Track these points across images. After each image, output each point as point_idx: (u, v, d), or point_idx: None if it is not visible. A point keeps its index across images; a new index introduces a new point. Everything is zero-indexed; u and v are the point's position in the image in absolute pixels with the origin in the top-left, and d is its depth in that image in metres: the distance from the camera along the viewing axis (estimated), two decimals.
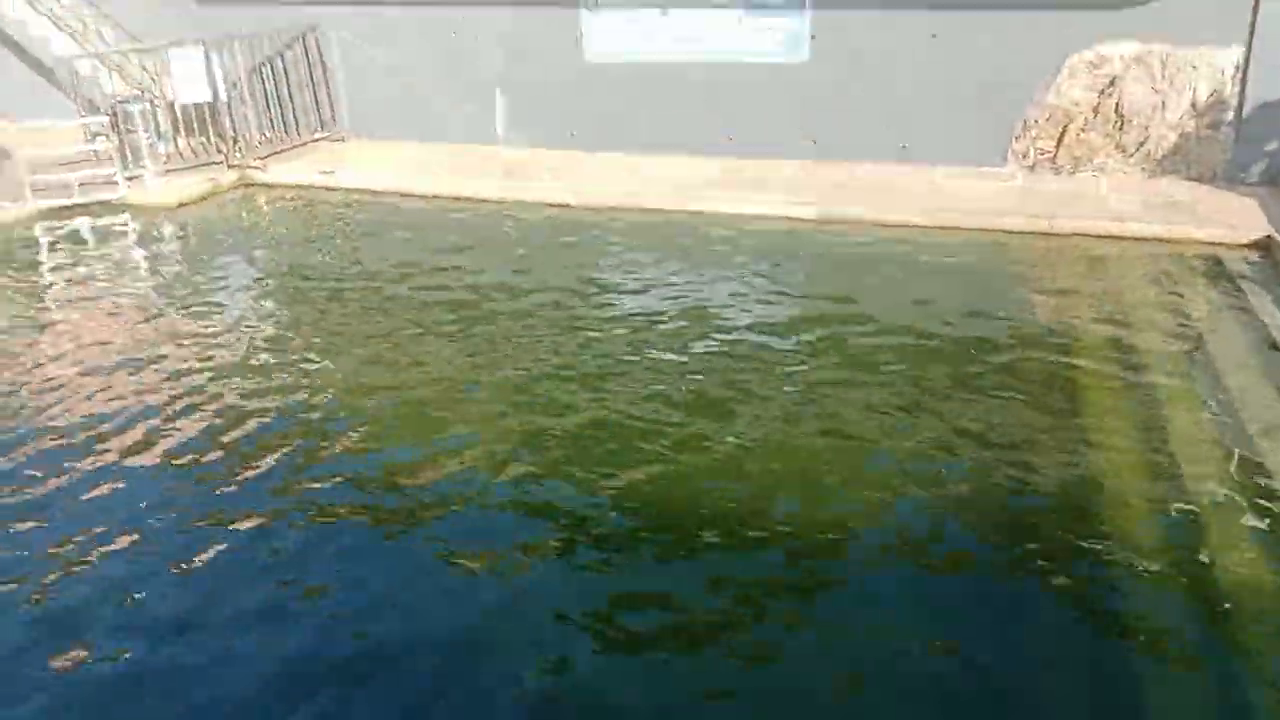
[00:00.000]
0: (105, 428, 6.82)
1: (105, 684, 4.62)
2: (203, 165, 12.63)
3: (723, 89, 11.79)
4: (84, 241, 10.84)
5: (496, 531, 5.57)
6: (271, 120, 13.37)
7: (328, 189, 12.12)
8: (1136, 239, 9.33)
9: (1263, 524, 5.27)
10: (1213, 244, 9.09)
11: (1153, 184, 10.46)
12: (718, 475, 5.95)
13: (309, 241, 10.77)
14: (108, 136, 11.95)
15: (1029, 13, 10.44)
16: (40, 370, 7.80)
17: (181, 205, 11.77)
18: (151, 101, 12.52)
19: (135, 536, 5.63)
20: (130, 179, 11.92)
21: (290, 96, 13.42)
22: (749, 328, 7.98)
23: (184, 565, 5.39)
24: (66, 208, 11.45)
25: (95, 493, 6.10)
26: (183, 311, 8.83)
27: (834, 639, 4.70)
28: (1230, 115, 10.20)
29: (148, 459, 6.46)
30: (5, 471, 6.35)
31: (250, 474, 6.24)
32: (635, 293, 8.77)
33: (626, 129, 12.29)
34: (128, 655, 4.75)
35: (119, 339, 8.33)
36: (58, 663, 4.75)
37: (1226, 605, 4.73)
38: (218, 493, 6.04)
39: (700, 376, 7.16)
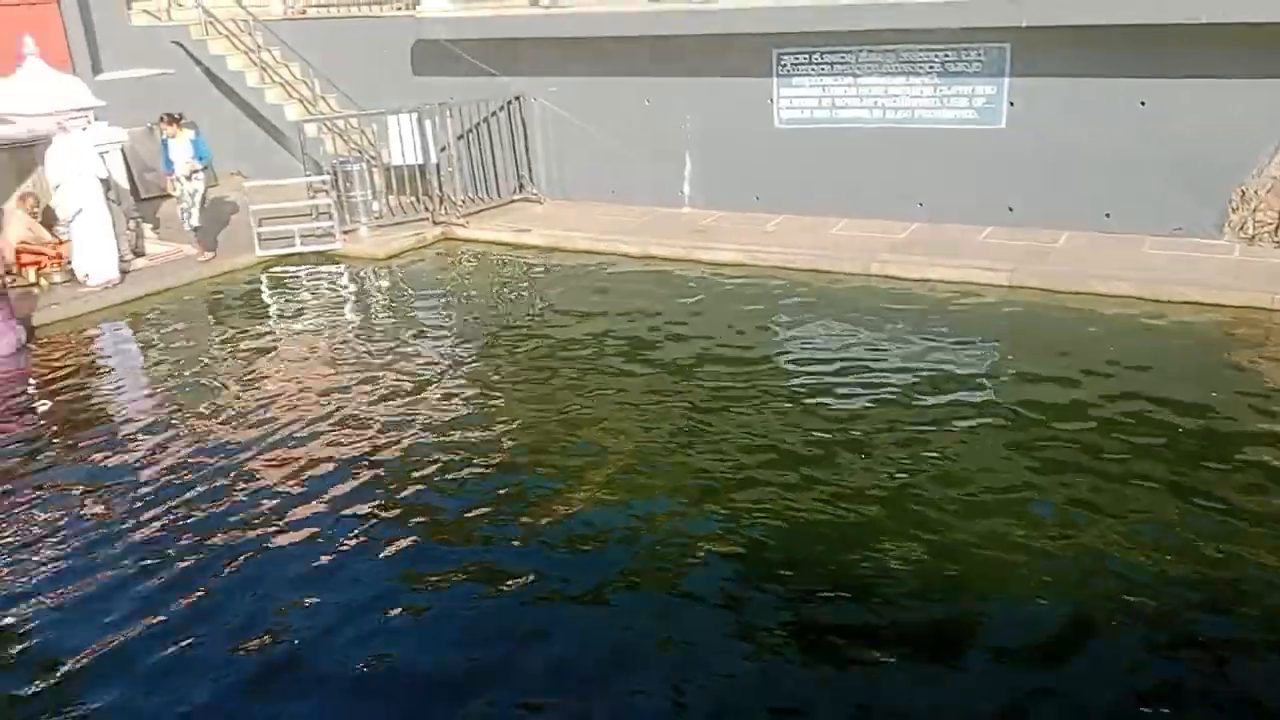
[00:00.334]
0: (293, 453, 7.30)
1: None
2: (410, 221, 13.47)
3: (914, 154, 11.67)
4: (302, 287, 11.72)
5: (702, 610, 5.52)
6: (474, 181, 14.15)
7: (523, 246, 12.67)
8: None
9: None
10: None
11: None
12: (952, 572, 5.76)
13: (503, 294, 11.27)
14: (328, 193, 12.94)
15: (1246, 81, 9.89)
16: (254, 394, 8.45)
17: (389, 257, 12.56)
18: (368, 162, 13.50)
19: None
20: (345, 232, 12.84)
21: (492, 159, 14.19)
22: (950, 403, 7.59)
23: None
24: (289, 256, 12.42)
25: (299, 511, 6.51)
26: (384, 352, 9.38)
27: None
28: None
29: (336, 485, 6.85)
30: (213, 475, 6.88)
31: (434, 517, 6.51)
32: (825, 360, 8.61)
33: (813, 192, 12.33)
34: None
35: (325, 374, 8.93)
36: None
37: None
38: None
39: (901, 453, 6.98)
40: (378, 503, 6.60)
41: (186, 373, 9.17)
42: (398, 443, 7.42)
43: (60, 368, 9.46)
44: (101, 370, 9.66)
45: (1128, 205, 10.71)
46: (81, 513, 6.70)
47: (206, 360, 9.50)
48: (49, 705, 4.90)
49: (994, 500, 6.18)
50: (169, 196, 12.74)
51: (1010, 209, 11.29)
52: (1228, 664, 4.72)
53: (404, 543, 6.12)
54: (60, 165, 10.81)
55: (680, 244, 11.88)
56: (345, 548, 6.09)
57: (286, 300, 11.32)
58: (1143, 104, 10.42)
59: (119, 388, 9.21)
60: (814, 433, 7.17)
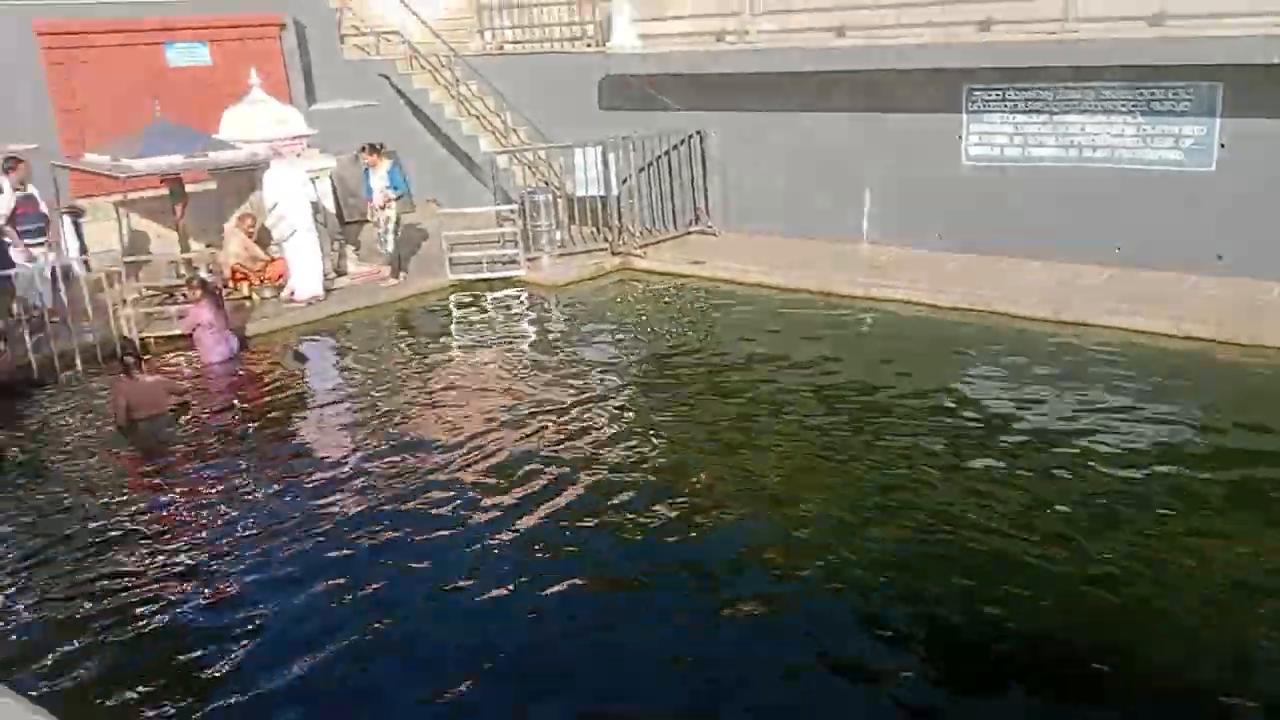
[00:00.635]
0: (476, 466, 7.57)
1: None
2: (590, 251, 13.83)
3: (1112, 196, 11.13)
4: (487, 310, 12.22)
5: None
6: (653, 212, 14.42)
7: (698, 277, 12.79)
8: None
9: None
10: None
11: None
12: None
13: (676, 325, 11.40)
14: (515, 222, 13.46)
15: None
16: (433, 410, 8.85)
17: (569, 285, 12.93)
18: (554, 193, 13.98)
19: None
20: (529, 259, 13.30)
21: (671, 192, 14.42)
22: (1154, 476, 7.00)
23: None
24: (476, 280, 12.98)
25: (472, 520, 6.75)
26: (557, 377, 9.65)
27: None
28: None
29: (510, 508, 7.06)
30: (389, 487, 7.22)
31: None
32: (1008, 415, 8.22)
33: (1001, 232, 11.93)
34: None
35: (500, 396, 9.26)
36: None
37: None
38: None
39: (1110, 536, 6.61)
40: (542, 541, 6.70)
41: (376, 385, 9.72)
42: (569, 471, 7.58)
43: (267, 374, 10.21)
44: (302, 379, 10.37)
45: None
46: (272, 505, 7.17)
47: (394, 375, 10.03)
48: (239, 682, 5.25)
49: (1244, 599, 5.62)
50: (368, 221, 13.55)
51: (1219, 257, 10.58)
52: None
53: (571, 580, 6.20)
54: (276, 189, 11.68)
55: (857, 280, 11.71)
56: (506, 577, 6.22)
57: (470, 322, 11.82)
58: None
59: (316, 396, 9.86)
60: (998, 498, 6.82)
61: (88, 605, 6.06)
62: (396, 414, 8.90)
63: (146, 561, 6.56)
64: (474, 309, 12.25)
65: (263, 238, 12.38)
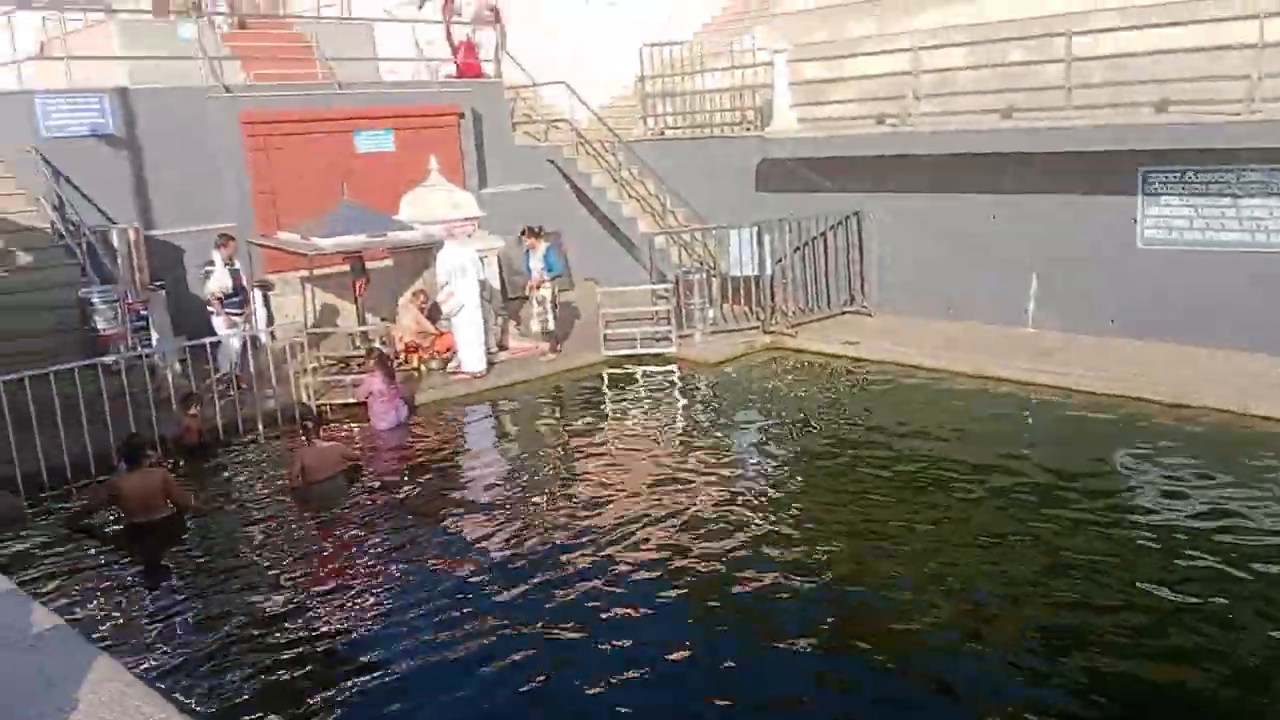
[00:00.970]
0: (614, 536, 7.63)
1: None
2: (741, 329, 13.91)
3: None
4: (639, 386, 12.42)
5: None
6: (806, 292, 14.40)
7: (851, 359, 12.65)
8: None
9: None
10: None
11: None
12: None
13: (826, 406, 11.26)
14: (668, 300, 13.70)
15: None
16: (585, 483, 9.00)
17: (720, 363, 13.01)
18: (708, 273, 14.18)
19: None
20: (682, 337, 13.48)
21: (825, 272, 14.39)
22: None
23: None
24: (630, 357, 13.23)
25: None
26: (706, 455, 9.67)
27: None
28: None
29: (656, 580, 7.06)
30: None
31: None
32: (1186, 512, 7.74)
33: (1178, 318, 11.33)
34: None
35: (650, 471, 9.34)
36: None
37: None
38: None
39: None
40: (691, 613, 6.70)
41: (531, 457, 10.01)
42: (720, 547, 7.56)
43: (433, 442, 10.66)
44: (464, 448, 10.80)
45: None
46: (432, 574, 7.42)
47: (548, 447, 10.32)
48: None
49: None
50: (529, 298, 14.08)
51: None
52: None
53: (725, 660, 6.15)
54: (447, 267, 12.32)
55: (1021, 365, 11.31)
56: (668, 655, 6.21)
57: (623, 397, 12.04)
58: None
59: (476, 465, 10.20)
60: (1170, 594, 6.42)
61: (242, 634, 6.45)
62: (550, 487, 9.11)
63: (301, 611, 6.89)
64: (627, 384, 12.47)
65: (433, 313, 13.04)
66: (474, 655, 6.26)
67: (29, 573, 7.47)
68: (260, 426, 10.76)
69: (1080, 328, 12.18)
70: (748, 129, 16.20)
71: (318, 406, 10.95)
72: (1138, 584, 6.59)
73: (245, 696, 5.87)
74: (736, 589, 6.90)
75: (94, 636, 6.12)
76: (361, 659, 6.31)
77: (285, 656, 6.32)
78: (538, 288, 13.19)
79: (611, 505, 8.50)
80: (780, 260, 13.88)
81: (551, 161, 17.33)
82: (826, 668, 5.96)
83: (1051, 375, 10.96)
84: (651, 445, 10.16)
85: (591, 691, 5.80)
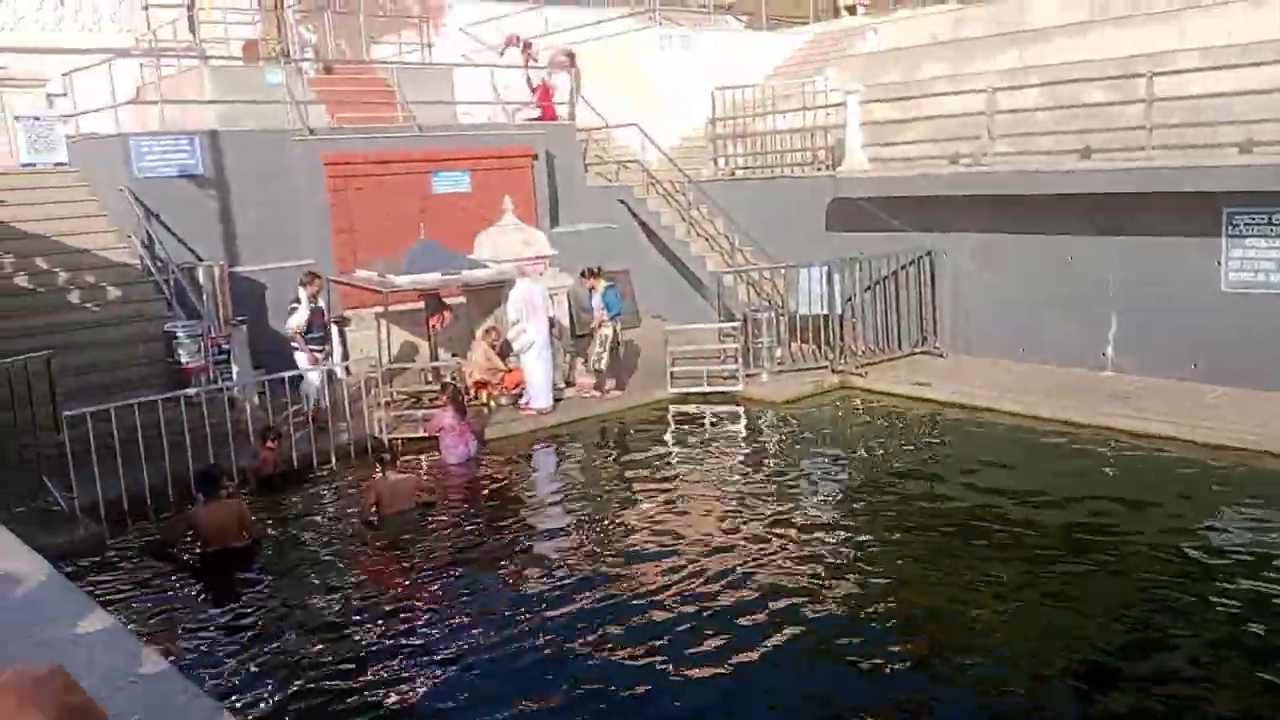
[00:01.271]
0: (682, 574, 7.57)
1: None
2: (809, 369, 13.80)
3: None
4: (704, 424, 12.39)
5: None
6: (876, 332, 14.26)
7: (921, 400, 12.45)
8: None
9: None
10: None
11: None
12: None
13: (896, 448, 11.09)
14: (736, 339, 13.68)
15: None
16: (648, 521, 8.98)
17: (787, 402, 12.91)
18: (776, 311, 14.14)
19: None
20: (749, 376, 13.43)
21: (896, 312, 14.24)
22: None
23: None
24: (696, 394, 13.22)
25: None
26: (770, 495, 9.59)
27: None
28: None
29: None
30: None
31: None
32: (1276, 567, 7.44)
33: (1262, 363, 10.93)
34: None
35: (718, 511, 9.28)
36: None
37: None
38: None
39: None
40: (762, 655, 6.62)
41: (595, 492, 10.05)
42: (785, 590, 7.47)
43: (501, 476, 10.80)
44: (530, 483, 10.90)
45: None
46: (499, 610, 7.46)
47: (613, 483, 10.33)
48: None
49: None
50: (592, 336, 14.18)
51: None
52: None
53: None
54: (518, 305, 12.50)
55: (1099, 410, 11.01)
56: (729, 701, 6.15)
57: (688, 435, 12.01)
58: None
59: (543, 500, 10.28)
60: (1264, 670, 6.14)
61: (312, 663, 6.54)
62: (613, 525, 9.12)
63: (367, 638, 6.98)
64: (692, 422, 12.45)
65: (503, 349, 13.22)
66: (535, 689, 6.28)
67: (110, 599, 7.71)
68: (334, 460, 10.98)
69: (1161, 372, 11.83)
70: (818, 169, 16.20)
71: (389, 440, 11.15)
72: (1222, 652, 6.31)
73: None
74: (803, 638, 6.80)
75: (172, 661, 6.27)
76: (426, 692, 6.36)
77: (354, 685, 6.41)
78: (599, 327, 13.28)
79: (674, 543, 8.47)
80: (850, 299, 13.78)
81: (622, 201, 17.52)
82: None
83: (1130, 420, 10.65)
84: (715, 484, 10.11)
85: None
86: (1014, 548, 8.01)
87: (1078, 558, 7.75)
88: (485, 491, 10.37)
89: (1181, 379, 11.61)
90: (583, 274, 13.77)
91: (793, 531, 8.64)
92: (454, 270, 12.49)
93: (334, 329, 12.72)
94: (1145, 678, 6.10)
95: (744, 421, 12.49)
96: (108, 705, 2.10)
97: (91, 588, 7.75)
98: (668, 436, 12.10)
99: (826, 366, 13.74)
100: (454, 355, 13.12)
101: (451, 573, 8.26)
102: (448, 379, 12.09)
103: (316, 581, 8.16)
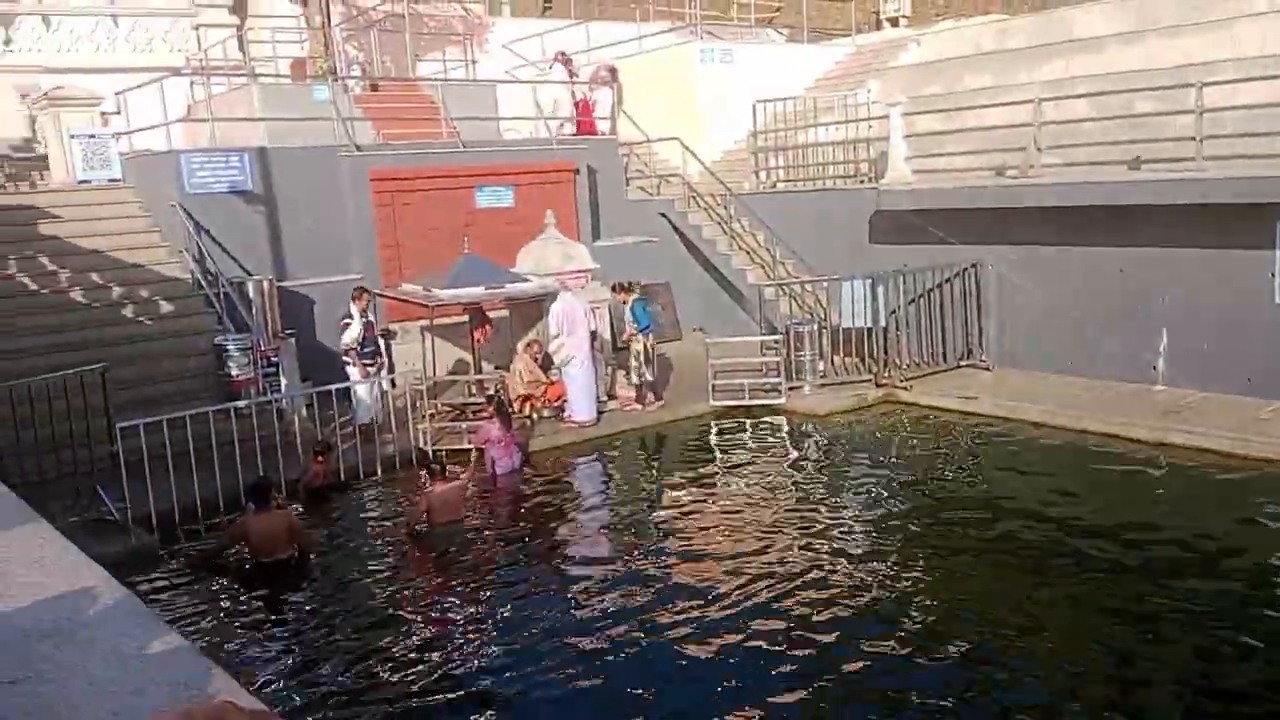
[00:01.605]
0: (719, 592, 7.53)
1: None
2: (852, 382, 13.71)
3: None
4: (746, 437, 12.35)
5: None
6: (920, 345, 14.13)
7: (967, 414, 12.31)
8: None
9: None
10: None
11: None
12: None
13: (941, 462, 10.97)
14: (778, 352, 13.62)
15: None
16: (688, 533, 8.96)
17: (830, 415, 12.83)
18: (819, 324, 14.06)
19: None
20: (791, 389, 13.36)
21: (941, 325, 14.11)
22: None
23: None
24: (738, 408, 13.18)
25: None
26: (812, 510, 9.52)
27: None
28: None
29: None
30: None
31: None
32: None
33: None
34: None
35: (760, 527, 9.23)
36: None
37: None
38: None
39: None
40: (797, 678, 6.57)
41: (638, 505, 10.07)
42: (824, 606, 7.41)
43: (545, 488, 10.84)
44: (574, 495, 10.91)
45: None
46: (544, 619, 7.47)
47: (656, 496, 10.33)
48: None
49: None
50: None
51: None
52: None
53: None
54: (560, 318, 12.55)
55: (1150, 425, 10.82)
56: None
57: (729, 449, 11.98)
58: None
59: (586, 512, 10.31)
60: None
61: (362, 671, 6.60)
62: (656, 536, 9.11)
63: (415, 651, 7.03)
64: (734, 436, 12.41)
65: (545, 362, 13.27)
66: (579, 700, 6.27)
67: (162, 608, 7.83)
68: (380, 471, 11.08)
69: (1213, 386, 11.61)
70: (861, 181, 16.13)
71: (433, 452, 11.23)
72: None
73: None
74: (845, 655, 6.73)
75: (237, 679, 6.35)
76: (474, 699, 6.39)
77: (404, 693, 6.46)
78: (631, 341, 13.27)
79: (718, 560, 8.44)
80: (894, 312, 13.68)
81: (663, 214, 17.56)
82: None
83: (1183, 435, 10.46)
84: (757, 497, 10.06)
85: None
86: (1067, 569, 7.87)
87: (1135, 578, 7.60)
88: (531, 503, 10.42)
89: (1234, 393, 11.37)
90: (613, 288, 13.80)
91: (837, 549, 8.56)
92: (497, 284, 12.58)
93: (380, 341, 12.84)
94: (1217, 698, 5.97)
95: (786, 434, 12.43)
96: None
97: (145, 596, 7.88)
98: (710, 450, 12.07)
99: (870, 380, 13.64)
100: (497, 368, 13.21)
101: (498, 586, 8.29)
102: (491, 392, 12.18)
103: (365, 593, 8.23)
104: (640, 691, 6.29)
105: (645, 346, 13.18)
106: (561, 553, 9.02)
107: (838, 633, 6.97)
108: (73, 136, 15.12)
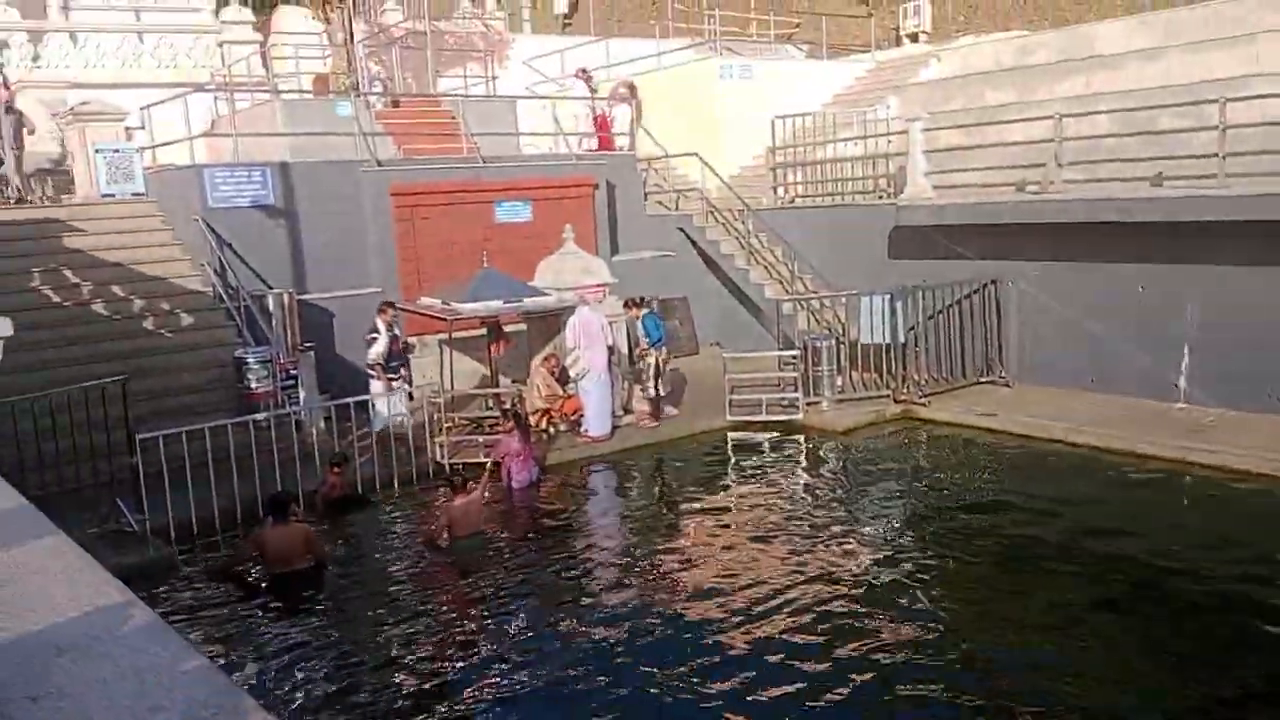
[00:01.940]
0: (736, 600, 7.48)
1: None
2: (871, 398, 13.64)
3: None
4: (763, 451, 12.30)
5: None
6: (939, 361, 14.05)
7: (986, 430, 12.22)
8: None
9: None
10: None
11: None
12: None
13: (959, 479, 10.88)
14: (795, 367, 13.57)
15: None
16: (701, 548, 8.92)
17: (847, 431, 12.77)
18: (837, 339, 14.01)
19: None
20: (809, 404, 13.31)
21: (960, 340, 14.03)
22: None
23: None
24: (754, 423, 13.14)
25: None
26: (829, 527, 9.46)
27: None
28: None
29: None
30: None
31: None
32: None
33: None
34: None
35: (770, 535, 9.21)
36: None
37: None
38: None
39: None
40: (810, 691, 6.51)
41: (654, 519, 10.08)
42: (842, 622, 7.36)
43: (563, 501, 10.88)
44: (591, 508, 10.95)
45: None
46: (561, 633, 7.45)
47: (672, 510, 10.32)
48: None
49: None
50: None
51: None
52: None
53: None
54: (577, 332, 12.56)
55: (1172, 443, 10.71)
56: None
57: (746, 463, 11.94)
58: None
59: (602, 524, 10.37)
60: None
61: (375, 683, 6.58)
62: (672, 551, 9.09)
63: (429, 663, 7.02)
64: (751, 450, 12.37)
65: (562, 376, 13.27)
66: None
67: (180, 619, 7.86)
68: (396, 484, 11.10)
69: (1235, 403, 11.49)
70: (880, 197, 16.09)
71: (450, 465, 11.25)
72: None
73: None
74: (863, 673, 6.67)
75: (236, 680, 6.36)
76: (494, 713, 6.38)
77: (415, 704, 6.45)
78: (643, 355, 13.26)
79: (732, 577, 8.38)
80: (913, 328, 13.63)
81: (681, 229, 17.57)
82: None
83: (1205, 454, 10.34)
84: (774, 514, 10.02)
85: None
86: (1087, 589, 7.78)
87: (1156, 600, 7.52)
88: (550, 515, 10.43)
89: (1257, 411, 11.25)
90: (625, 304, 13.79)
91: (854, 566, 8.51)
92: (515, 298, 12.61)
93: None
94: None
95: (804, 450, 12.38)
96: None
97: (163, 607, 7.92)
98: (726, 465, 12.04)
99: (888, 396, 13.57)
100: (514, 381, 13.23)
101: (514, 600, 8.28)
102: (508, 405, 12.19)
103: (379, 605, 8.23)
104: (658, 706, 6.24)
105: (657, 361, 13.17)
106: (578, 567, 9.00)
107: (854, 652, 6.91)
108: (97, 151, 15.28)
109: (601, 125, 18.76)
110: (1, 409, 10.07)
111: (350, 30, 18.94)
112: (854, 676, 6.57)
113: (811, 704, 6.28)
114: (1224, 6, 15.67)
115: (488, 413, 12.86)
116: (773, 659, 6.85)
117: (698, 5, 24.26)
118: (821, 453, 12.20)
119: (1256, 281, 11.27)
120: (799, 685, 6.51)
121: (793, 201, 17.66)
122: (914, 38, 24.80)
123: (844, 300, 14.65)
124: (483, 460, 11.46)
